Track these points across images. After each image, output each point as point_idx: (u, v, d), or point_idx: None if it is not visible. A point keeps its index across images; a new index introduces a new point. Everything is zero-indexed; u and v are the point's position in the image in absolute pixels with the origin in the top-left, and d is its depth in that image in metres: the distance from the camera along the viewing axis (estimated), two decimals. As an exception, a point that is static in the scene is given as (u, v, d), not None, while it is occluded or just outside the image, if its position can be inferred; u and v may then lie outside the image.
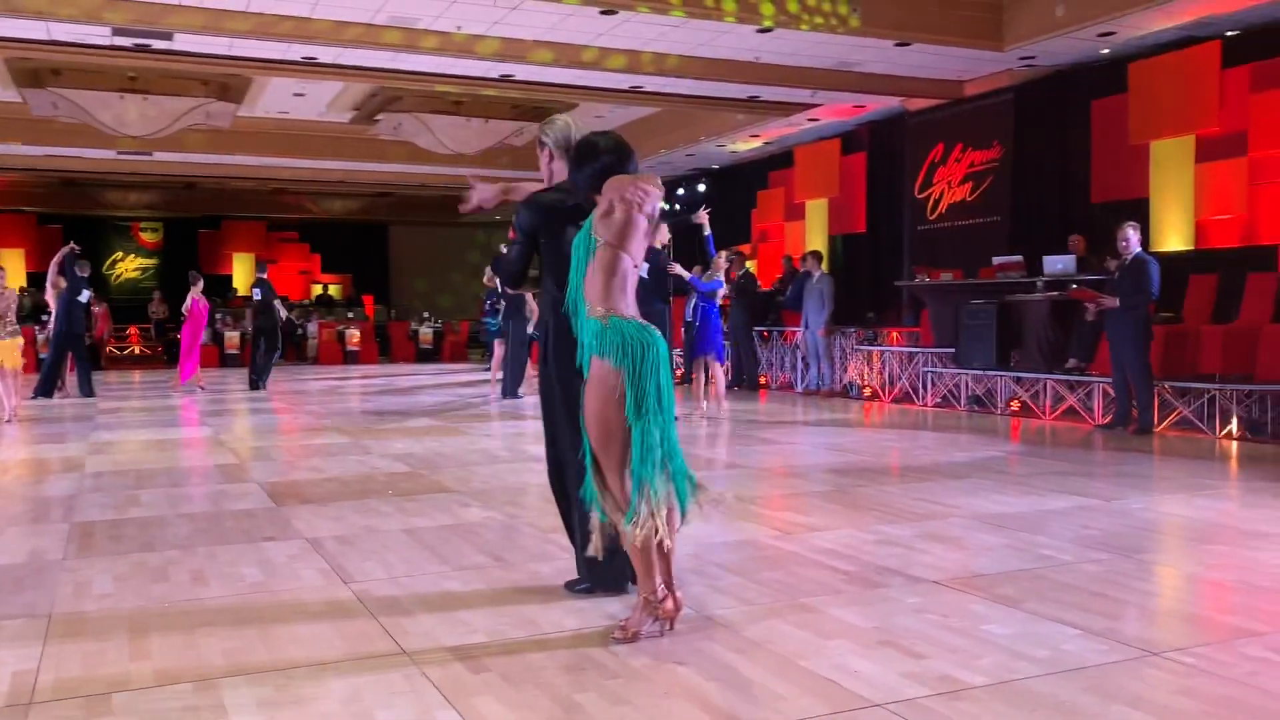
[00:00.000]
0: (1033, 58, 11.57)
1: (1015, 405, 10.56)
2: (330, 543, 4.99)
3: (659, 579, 3.48)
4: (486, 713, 2.88)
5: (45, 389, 13.07)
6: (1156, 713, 2.81)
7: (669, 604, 3.49)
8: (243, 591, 4.15)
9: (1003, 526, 5.20)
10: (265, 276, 14.87)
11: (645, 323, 3.48)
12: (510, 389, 12.77)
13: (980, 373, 10.87)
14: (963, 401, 11.20)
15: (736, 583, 4.19)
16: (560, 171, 4.03)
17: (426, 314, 24.28)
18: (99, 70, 13.17)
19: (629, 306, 3.47)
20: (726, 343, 14.28)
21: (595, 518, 3.55)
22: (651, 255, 10.57)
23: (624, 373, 3.41)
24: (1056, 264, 10.45)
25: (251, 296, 15.11)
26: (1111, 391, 9.30)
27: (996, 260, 11.30)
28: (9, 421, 10.24)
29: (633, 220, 3.48)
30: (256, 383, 14.54)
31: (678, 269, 10.39)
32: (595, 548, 3.56)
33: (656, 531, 3.40)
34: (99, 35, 10.74)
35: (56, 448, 8.55)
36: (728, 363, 14.88)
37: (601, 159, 3.59)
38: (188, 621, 3.75)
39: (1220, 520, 5.45)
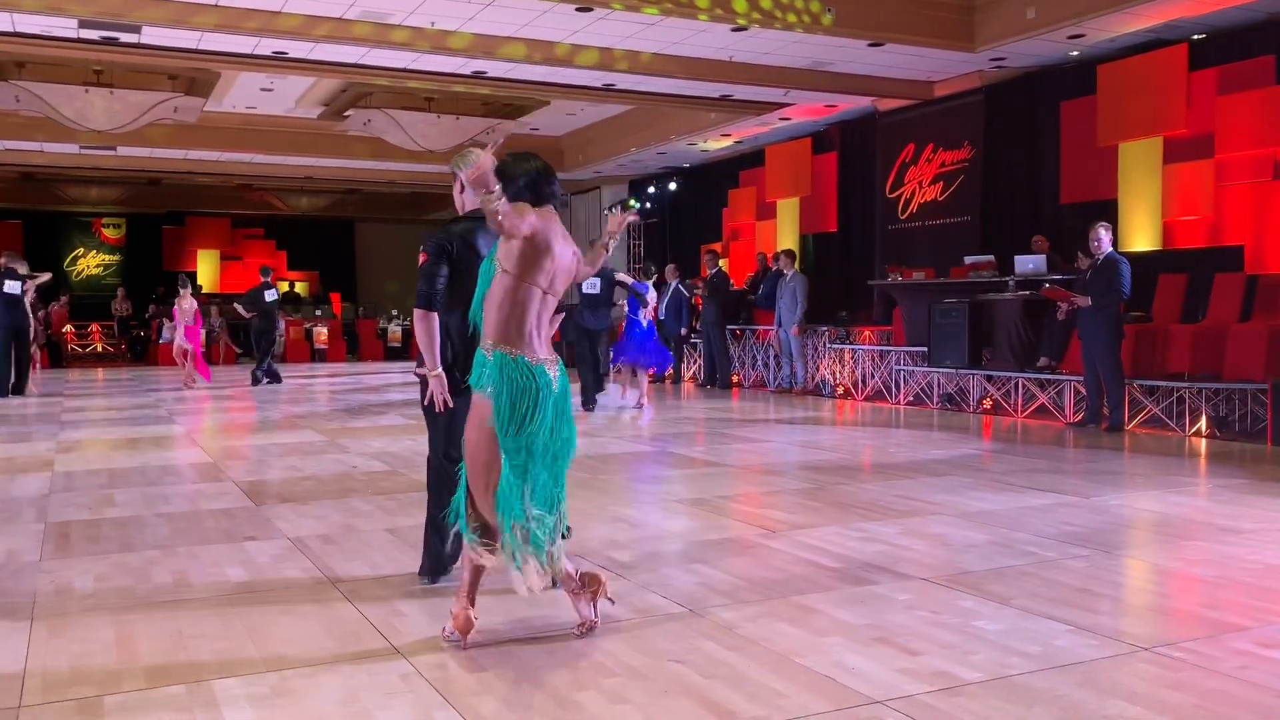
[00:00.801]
0: (1003, 59, 11.69)
1: (987, 403, 10.67)
2: (314, 542, 4.94)
3: (468, 599, 3.40)
4: (487, 713, 2.87)
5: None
6: (1152, 707, 2.85)
7: (464, 617, 3.36)
8: (228, 592, 4.09)
9: (984, 523, 5.24)
10: (271, 280, 15.57)
11: (540, 361, 3.36)
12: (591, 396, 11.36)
13: (952, 371, 10.97)
14: (935, 400, 11.29)
15: (727, 580, 4.20)
16: (471, 202, 4.01)
17: (395, 312, 24.11)
18: (64, 63, 12.94)
19: (526, 339, 3.35)
20: (687, 343, 14.40)
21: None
22: (601, 269, 11.16)
23: (496, 410, 3.34)
24: (1028, 263, 10.57)
25: (262, 299, 15.17)
26: (1083, 390, 9.42)
27: (968, 260, 11.41)
28: None
29: (535, 247, 3.35)
30: (259, 378, 15.08)
31: (621, 276, 10.94)
32: (529, 583, 3.39)
33: (541, 571, 3.37)
34: (65, 27, 10.56)
35: (23, 447, 8.40)
36: (699, 360, 14.95)
37: (518, 181, 3.45)
38: (174, 622, 3.69)
39: (1194, 516, 5.54)
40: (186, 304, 14.76)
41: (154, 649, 3.42)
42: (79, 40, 11.04)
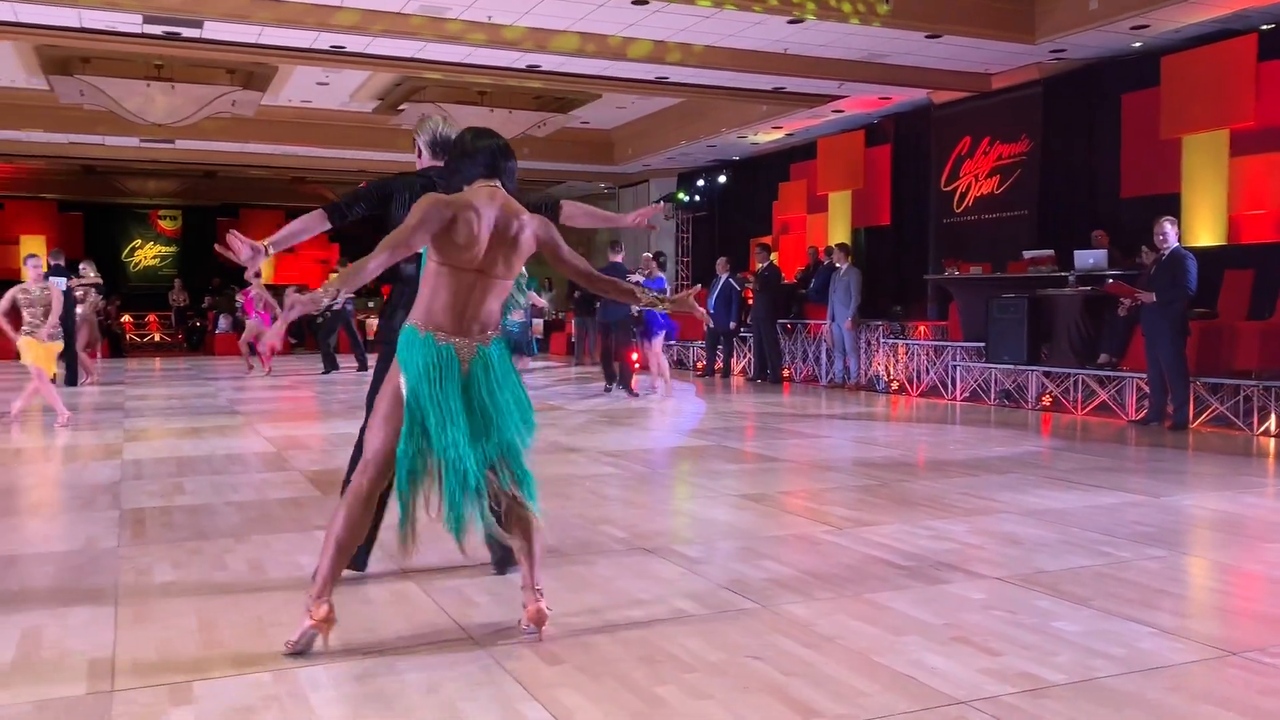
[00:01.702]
0: (1063, 51, 11.50)
1: (1046, 400, 10.53)
2: (384, 531, 4.97)
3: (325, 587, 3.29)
4: (571, 706, 2.88)
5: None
6: (1247, 713, 2.79)
7: (321, 611, 3.25)
8: (303, 580, 4.13)
9: (1053, 522, 5.18)
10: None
11: (442, 339, 3.32)
12: (611, 380, 12.51)
13: (1011, 367, 10.84)
14: (992, 396, 11.16)
15: (796, 576, 4.18)
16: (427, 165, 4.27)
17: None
18: (127, 58, 13.18)
19: (431, 315, 3.34)
20: (746, 333, 14.49)
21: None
22: (616, 269, 12.15)
23: (400, 377, 3.36)
24: (1088, 258, 10.41)
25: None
26: (1146, 387, 9.27)
27: (1027, 254, 11.26)
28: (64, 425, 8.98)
29: (454, 232, 3.31)
30: (335, 367, 15.64)
31: (636, 277, 12.23)
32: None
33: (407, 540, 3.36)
34: (130, 23, 10.74)
35: (92, 435, 8.57)
36: (749, 355, 14.90)
37: (477, 157, 3.48)
38: (254, 610, 3.75)
39: (1270, 518, 5.42)
40: (255, 293, 15.14)
41: (237, 636, 3.47)
42: (142, 35, 11.22)
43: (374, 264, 3.27)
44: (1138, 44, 11.09)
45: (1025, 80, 12.36)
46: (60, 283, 13.28)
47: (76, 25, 10.85)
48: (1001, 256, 12.00)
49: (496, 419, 3.42)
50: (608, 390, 12.36)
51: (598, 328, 12.79)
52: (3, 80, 14.99)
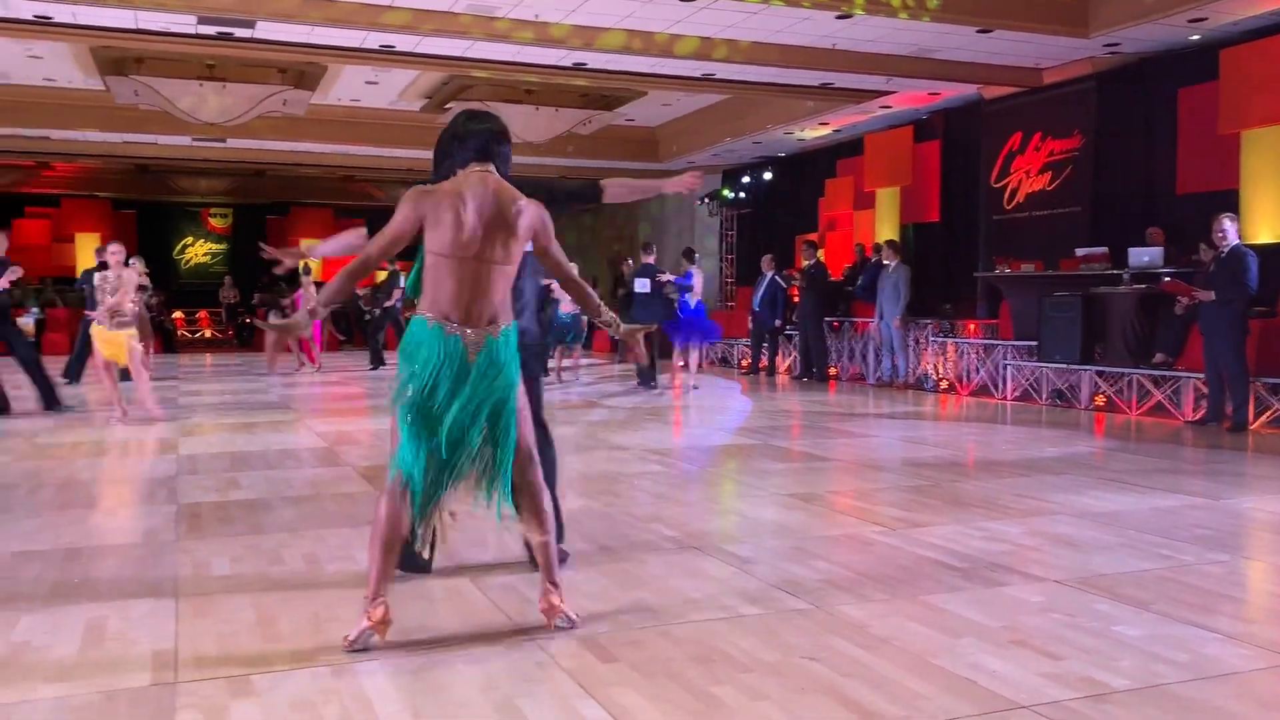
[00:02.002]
0: (1118, 45, 11.30)
1: (1100, 400, 10.37)
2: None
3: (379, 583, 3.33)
4: (627, 705, 2.88)
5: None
6: (1319, 721, 2.73)
7: (378, 613, 3.27)
8: (359, 575, 4.16)
9: (1110, 524, 5.09)
10: (397, 268, 16.06)
11: (451, 329, 3.31)
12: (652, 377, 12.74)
13: (1063, 366, 10.68)
14: (1044, 396, 11.01)
15: (849, 577, 4.15)
16: None
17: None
18: (180, 58, 13.38)
19: (438, 305, 3.33)
20: (792, 331, 14.48)
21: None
22: (648, 269, 12.44)
23: (401, 368, 3.38)
24: (1143, 256, 10.23)
25: (381, 287, 15.86)
26: (1203, 387, 9.09)
27: (1080, 252, 11.09)
28: (120, 420, 8.97)
29: (439, 222, 3.31)
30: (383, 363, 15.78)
31: (664, 277, 12.48)
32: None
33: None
34: (184, 23, 10.91)
35: (148, 429, 8.71)
36: (795, 353, 14.83)
37: (469, 141, 3.47)
38: (311, 604, 3.80)
39: (1336, 522, 5.30)
40: (304, 292, 15.50)
41: (295, 630, 3.51)
42: (196, 36, 11.39)
43: (339, 280, 3.36)
44: (1195, 37, 10.87)
45: (1078, 75, 12.16)
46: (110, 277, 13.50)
47: (132, 26, 11.04)
48: (1053, 254, 11.82)
49: (487, 415, 3.37)
50: (652, 387, 12.36)
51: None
52: (61, 81, 15.30)
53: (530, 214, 3.45)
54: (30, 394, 9.92)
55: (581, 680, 3.05)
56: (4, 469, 6.71)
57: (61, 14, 10.42)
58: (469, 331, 3.34)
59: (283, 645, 3.37)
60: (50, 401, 9.71)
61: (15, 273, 9.62)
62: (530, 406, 3.67)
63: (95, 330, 9.12)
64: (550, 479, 3.97)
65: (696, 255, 15.00)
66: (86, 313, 10.95)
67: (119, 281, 9.14)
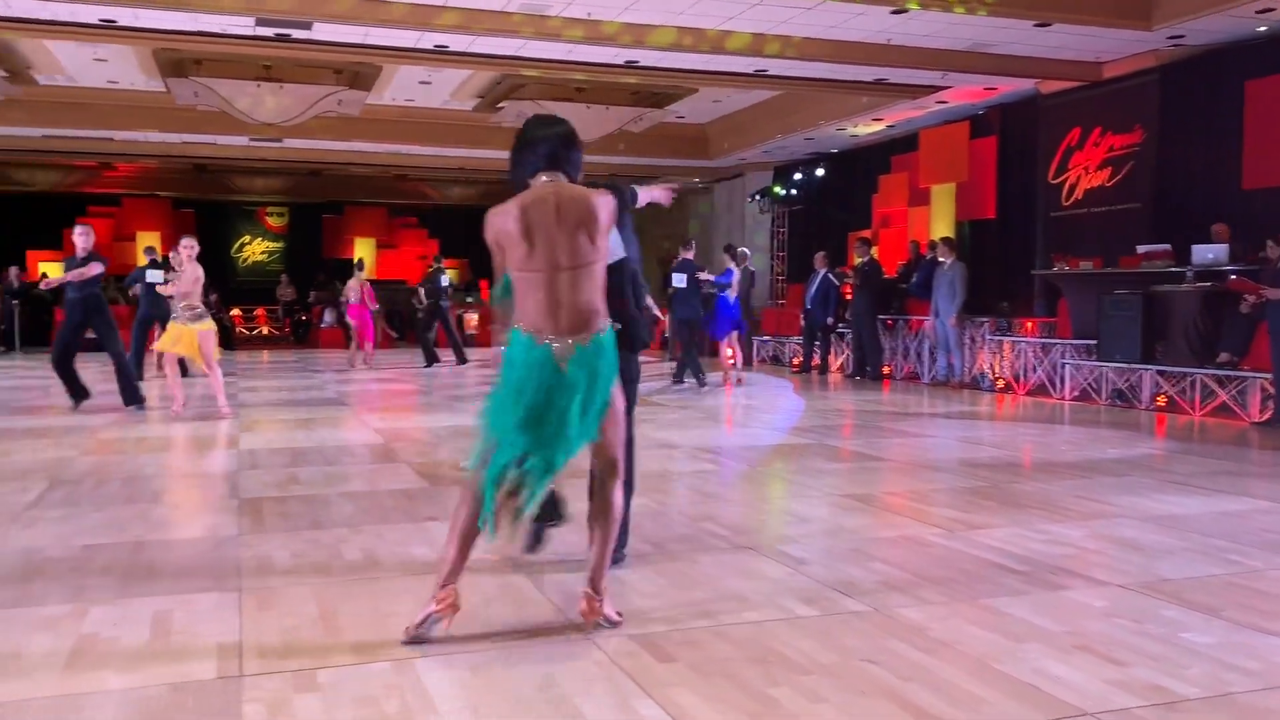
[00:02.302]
0: (1181, 37, 11.06)
1: (1161, 400, 10.16)
2: (490, 526, 5.06)
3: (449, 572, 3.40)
4: (685, 705, 2.87)
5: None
6: (1400, 734, 2.65)
7: (448, 597, 3.37)
8: (417, 571, 4.22)
9: (1175, 528, 4.99)
10: (441, 265, 16.55)
11: (541, 340, 3.32)
12: (681, 374, 12.73)
13: (1123, 366, 10.48)
14: (1104, 396, 10.81)
15: (910, 580, 4.11)
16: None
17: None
18: (238, 60, 13.61)
19: (527, 317, 3.36)
20: (843, 330, 14.40)
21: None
22: (687, 265, 12.44)
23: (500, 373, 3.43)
24: (1207, 253, 10.01)
25: (438, 284, 16.03)
26: (1271, 387, 8.87)
27: (1141, 248, 10.87)
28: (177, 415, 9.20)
29: (501, 251, 3.42)
30: (435, 360, 16.01)
31: (703, 276, 12.87)
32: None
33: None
34: (242, 25, 11.09)
35: (209, 425, 8.86)
36: (848, 351, 14.71)
37: (539, 148, 3.49)
38: (372, 599, 3.84)
39: None
40: (367, 287, 15.93)
41: (356, 625, 3.55)
42: (254, 37, 11.58)
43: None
44: (1263, 28, 10.61)
45: (1140, 68, 11.93)
46: (157, 275, 13.73)
47: (192, 28, 11.24)
48: (1113, 251, 11.61)
49: (573, 423, 3.35)
50: (702, 385, 12.34)
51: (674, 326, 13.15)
52: (123, 83, 15.64)
53: (604, 206, 3.45)
54: (113, 388, 10.06)
55: (639, 680, 3.05)
56: (71, 463, 6.87)
57: (124, 17, 10.65)
58: (558, 343, 3.34)
59: (344, 639, 3.41)
60: (131, 398, 9.85)
61: (95, 268, 9.53)
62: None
63: (171, 325, 9.24)
64: (629, 483, 3.99)
65: (743, 251, 15.24)
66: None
67: (185, 274, 9.26)
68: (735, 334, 13.38)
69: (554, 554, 4.45)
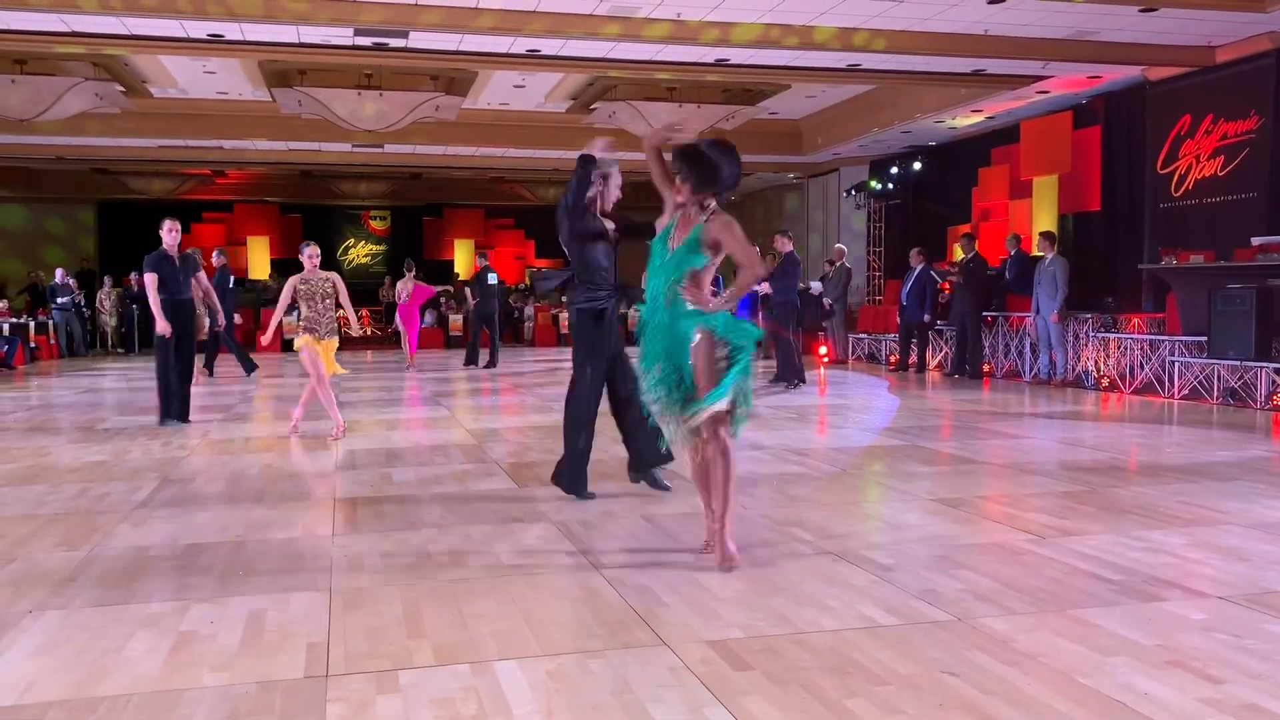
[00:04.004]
0: (1301, 17, 10.54)
1: (1278, 400, 9.70)
2: (575, 526, 5.12)
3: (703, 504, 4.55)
4: (758, 714, 2.86)
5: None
6: None
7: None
8: (502, 573, 4.30)
9: (1286, 536, 4.76)
10: (488, 264, 16.44)
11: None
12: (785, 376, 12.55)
13: (1237, 363, 10.04)
14: (1216, 395, 10.37)
15: (996, 589, 4.01)
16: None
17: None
18: (339, 69, 14.01)
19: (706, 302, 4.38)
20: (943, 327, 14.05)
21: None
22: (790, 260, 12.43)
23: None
24: (1328, 244, 9.53)
25: (476, 282, 16.28)
26: (1397, 386, 8.39)
27: (1256, 241, 10.40)
28: (336, 437, 8.35)
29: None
30: (475, 361, 16.18)
31: (814, 289, 13.46)
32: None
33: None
34: (342, 36, 11.41)
35: (309, 425, 9.14)
36: (946, 349, 14.41)
37: (727, 179, 4.34)
38: (455, 601, 3.92)
39: None
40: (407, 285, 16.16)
41: (438, 627, 3.63)
42: (354, 47, 11.91)
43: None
44: (1389, 5, 10.04)
45: (1255, 52, 11.40)
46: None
47: (295, 41, 11.62)
48: (1227, 243, 11.13)
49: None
50: (792, 386, 12.23)
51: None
52: (232, 94, 16.25)
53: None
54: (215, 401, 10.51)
55: (713, 687, 3.05)
56: (180, 463, 7.18)
57: (231, 32, 11.06)
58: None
59: (426, 640, 3.49)
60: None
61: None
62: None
63: (305, 340, 8.22)
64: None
65: (839, 247, 15.90)
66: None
67: (327, 286, 8.31)
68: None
69: (632, 558, 4.48)
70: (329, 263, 25.18)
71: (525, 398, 11.69)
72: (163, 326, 9.02)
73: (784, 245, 12.37)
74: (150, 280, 9.06)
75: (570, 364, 5.84)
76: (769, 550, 4.66)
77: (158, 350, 9.29)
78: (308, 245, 8.52)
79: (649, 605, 3.84)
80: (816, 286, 17.28)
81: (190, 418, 9.43)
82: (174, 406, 9.32)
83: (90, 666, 3.27)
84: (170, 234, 9.26)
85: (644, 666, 3.23)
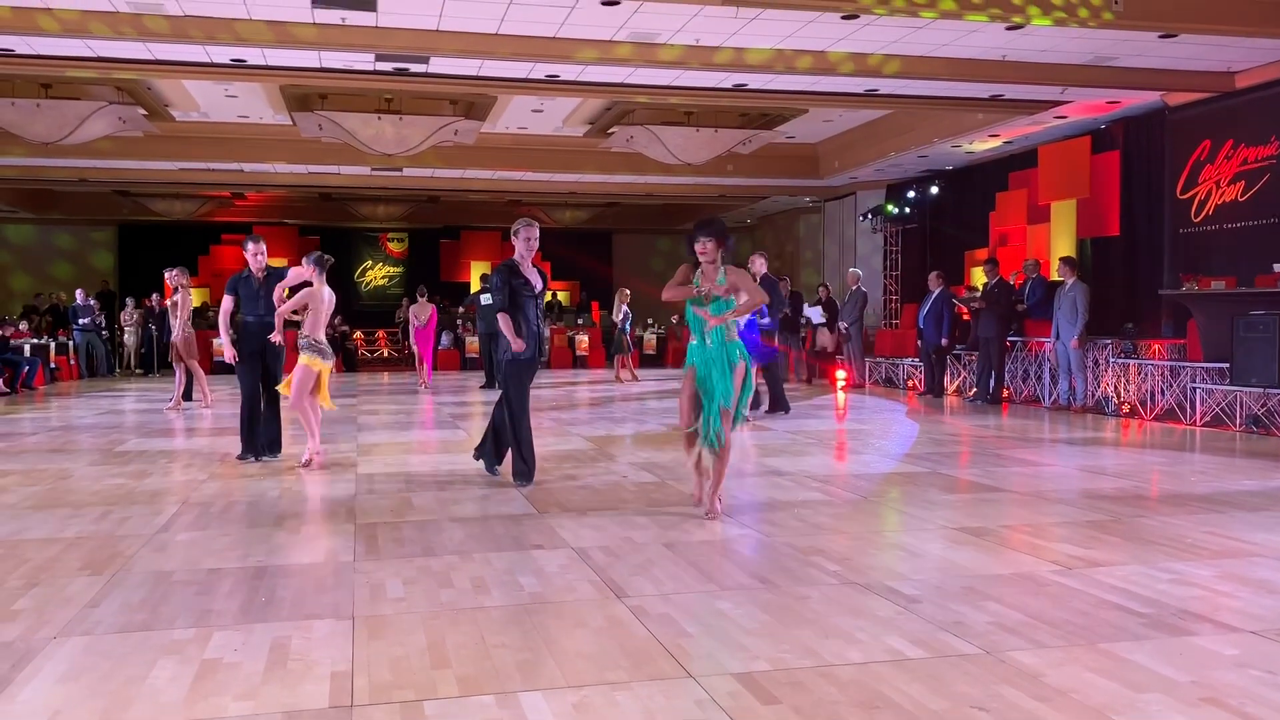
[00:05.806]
0: (1322, 43, 10.50)
1: (1302, 427, 9.63)
2: (596, 553, 5.10)
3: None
4: (787, 749, 2.83)
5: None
6: None
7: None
8: (524, 601, 4.28)
9: (1317, 569, 4.70)
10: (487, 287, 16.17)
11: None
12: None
13: (1260, 390, 9.96)
14: (1238, 422, 10.29)
15: (1024, 621, 3.97)
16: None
17: (650, 320, 24.65)
18: (359, 93, 14.12)
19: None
20: (964, 353, 13.96)
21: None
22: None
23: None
24: (1351, 271, 9.46)
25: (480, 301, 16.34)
26: None
27: (1278, 267, 10.33)
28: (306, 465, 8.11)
29: None
30: (493, 384, 15.76)
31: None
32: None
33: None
34: (363, 61, 11.51)
35: (328, 448, 9.14)
36: (965, 373, 14.34)
37: (730, 243, 5.97)
38: (478, 630, 3.90)
39: None
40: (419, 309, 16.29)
41: (462, 657, 3.61)
42: (375, 72, 12.02)
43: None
44: None
45: (1275, 78, 11.38)
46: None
47: (316, 65, 11.72)
48: (1248, 269, 11.07)
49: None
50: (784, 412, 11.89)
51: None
52: (253, 117, 16.39)
53: None
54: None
55: (741, 721, 3.02)
56: (200, 487, 7.19)
57: (254, 57, 11.18)
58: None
59: (450, 670, 3.47)
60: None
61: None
62: None
63: (309, 361, 8.00)
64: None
65: (854, 271, 15.62)
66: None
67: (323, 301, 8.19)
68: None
69: (658, 588, 4.45)
70: (346, 285, 25.38)
71: (542, 420, 11.68)
72: (230, 354, 8.47)
73: (759, 266, 11.51)
74: (223, 304, 8.57)
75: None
76: (793, 579, 4.63)
77: (239, 378, 8.55)
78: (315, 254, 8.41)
79: (673, 636, 3.81)
80: (814, 315, 17.27)
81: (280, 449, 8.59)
82: (258, 441, 8.42)
83: (115, 695, 3.26)
84: (255, 258, 8.52)
85: (670, 700, 3.20)
